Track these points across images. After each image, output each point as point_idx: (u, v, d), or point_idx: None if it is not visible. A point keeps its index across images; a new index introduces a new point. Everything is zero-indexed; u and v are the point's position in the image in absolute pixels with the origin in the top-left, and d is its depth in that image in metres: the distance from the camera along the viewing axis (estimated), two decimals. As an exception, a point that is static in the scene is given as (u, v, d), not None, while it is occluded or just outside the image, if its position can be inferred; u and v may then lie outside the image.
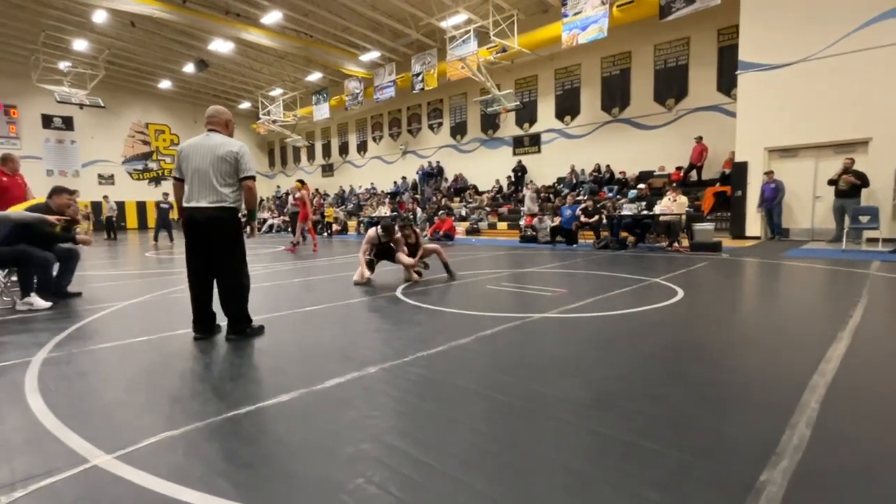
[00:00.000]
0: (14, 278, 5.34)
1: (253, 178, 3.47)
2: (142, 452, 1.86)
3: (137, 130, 27.09)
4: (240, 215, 3.55)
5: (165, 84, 25.09)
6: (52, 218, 4.84)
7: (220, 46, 18.75)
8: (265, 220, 22.47)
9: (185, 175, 3.42)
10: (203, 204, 3.34)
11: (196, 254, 3.46)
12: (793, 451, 1.76)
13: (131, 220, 26.66)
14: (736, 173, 11.87)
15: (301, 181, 12.30)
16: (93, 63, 20.68)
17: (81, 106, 20.97)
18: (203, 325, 3.56)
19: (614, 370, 2.71)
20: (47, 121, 23.84)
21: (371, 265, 6.28)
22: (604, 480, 1.61)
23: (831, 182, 9.95)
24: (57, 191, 5.24)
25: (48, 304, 4.83)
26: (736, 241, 11.19)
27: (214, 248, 3.41)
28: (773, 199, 11.03)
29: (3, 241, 4.68)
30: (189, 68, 21.26)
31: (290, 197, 13.79)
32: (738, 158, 11.82)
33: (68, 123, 24.34)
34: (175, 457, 1.84)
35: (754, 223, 11.64)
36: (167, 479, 1.67)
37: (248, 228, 3.85)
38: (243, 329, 3.56)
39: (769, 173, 11.09)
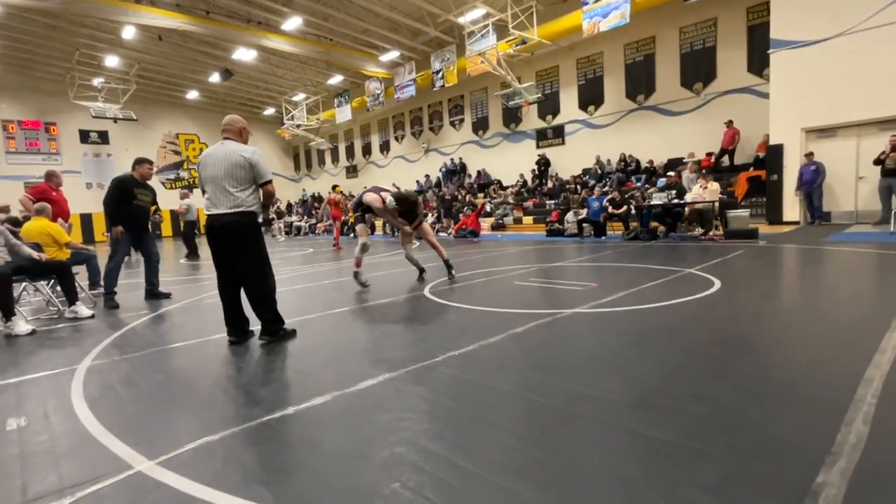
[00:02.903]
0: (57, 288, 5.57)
1: (271, 181, 3.52)
2: (182, 458, 1.89)
3: (168, 141, 27.92)
4: (259, 220, 3.58)
5: (193, 95, 25.75)
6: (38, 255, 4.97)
7: (244, 55, 19.10)
8: (291, 224, 22.86)
9: (203, 183, 3.49)
10: (221, 210, 3.39)
11: (220, 260, 3.53)
12: (850, 451, 1.65)
13: (166, 228, 27.49)
14: (771, 156, 11.39)
15: (334, 186, 14.04)
16: (124, 78, 21.41)
17: (115, 120, 21.75)
18: (236, 329, 3.62)
19: (654, 367, 2.61)
20: (84, 136, 24.79)
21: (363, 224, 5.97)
22: (651, 485, 1.54)
23: (877, 161, 9.45)
24: (139, 161, 5.72)
25: (91, 312, 5.01)
26: (773, 227, 10.75)
27: (236, 252, 3.46)
28: (812, 181, 10.54)
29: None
30: (215, 78, 21.75)
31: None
32: (772, 141, 11.34)
33: (104, 137, 25.25)
34: (214, 462, 1.86)
35: (792, 208, 11.16)
36: (207, 485, 1.69)
37: (265, 225, 3.90)
38: (276, 330, 3.58)
39: (809, 155, 10.61)
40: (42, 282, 5.32)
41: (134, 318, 4.81)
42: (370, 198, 5.53)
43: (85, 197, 23.88)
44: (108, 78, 21.42)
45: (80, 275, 5.90)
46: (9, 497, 1.70)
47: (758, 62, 12.82)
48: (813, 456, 1.64)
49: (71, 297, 4.96)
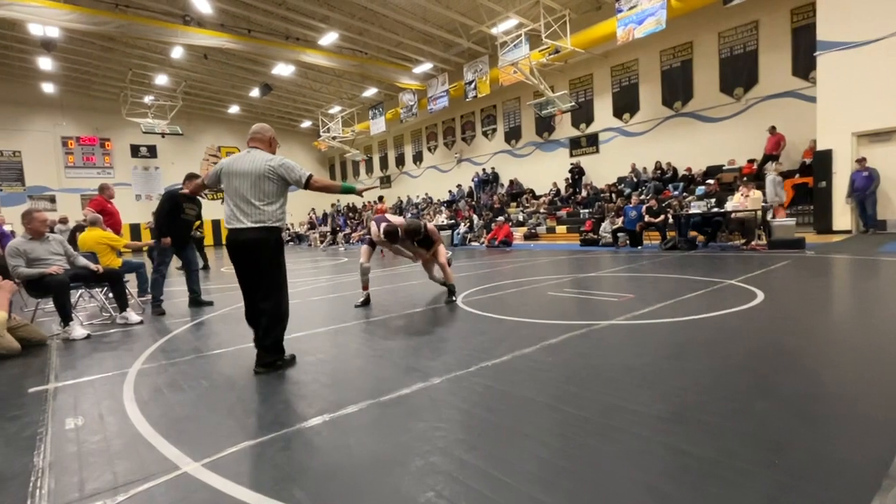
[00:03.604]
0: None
1: (311, 176, 3.25)
2: (225, 461, 1.97)
3: (211, 154, 29.15)
4: (283, 236, 3.35)
5: (234, 109, 26.85)
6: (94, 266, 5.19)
7: (283, 70, 19.85)
8: (326, 234, 23.34)
9: (226, 193, 3.27)
10: (245, 224, 3.14)
11: (243, 276, 3.30)
12: (909, 475, 1.56)
13: (207, 237, 28.57)
14: (819, 162, 10.90)
15: (380, 197, 14.20)
16: (171, 95, 22.59)
17: (163, 135, 22.96)
18: None
19: (693, 381, 2.54)
20: (135, 150, 26.28)
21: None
22: (689, 503, 1.50)
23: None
24: (189, 177, 5.73)
25: (140, 318, 5.27)
26: (822, 237, 10.26)
27: (257, 270, 3.23)
28: (865, 188, 10.02)
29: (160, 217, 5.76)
30: (255, 93, 22.67)
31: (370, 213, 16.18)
32: (820, 146, 10.86)
33: (152, 151, 26.67)
34: (254, 466, 1.93)
35: (843, 216, 10.62)
36: (248, 488, 1.75)
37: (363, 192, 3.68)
38: (272, 362, 3.24)
39: (861, 160, 10.10)
40: (96, 289, 5.64)
41: (179, 325, 5.02)
42: (370, 226, 5.58)
43: (135, 208, 25.16)
44: (157, 95, 22.68)
45: (130, 282, 6.21)
46: (68, 492, 1.81)
47: (803, 65, 12.35)
48: (866, 478, 1.56)
49: (122, 303, 5.24)
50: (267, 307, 3.24)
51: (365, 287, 5.66)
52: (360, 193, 3.70)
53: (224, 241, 3.38)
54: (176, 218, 5.81)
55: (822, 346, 3.16)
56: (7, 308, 3.75)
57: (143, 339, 4.43)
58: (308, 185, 3.25)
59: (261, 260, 3.20)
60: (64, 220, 13.23)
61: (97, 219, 6.20)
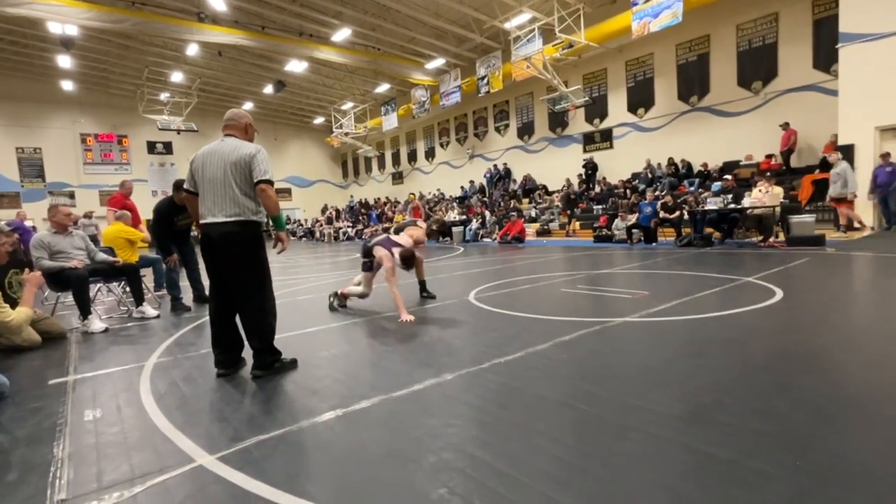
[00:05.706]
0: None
1: (269, 182, 2.95)
2: (239, 454, 1.98)
3: (226, 150, 29.45)
4: (263, 230, 3.10)
5: (248, 105, 27.03)
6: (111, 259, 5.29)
7: (296, 66, 19.94)
8: (339, 229, 23.45)
9: (198, 188, 3.03)
10: (220, 219, 2.93)
11: (216, 276, 3.07)
12: (938, 479, 1.52)
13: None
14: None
15: (413, 194, 14.52)
16: (187, 92, 22.85)
17: (179, 131, 23.24)
18: (229, 356, 3.13)
19: (711, 380, 2.50)
20: (151, 147, 26.69)
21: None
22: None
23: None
24: (177, 185, 5.37)
25: (156, 312, 5.34)
26: (843, 234, 10.02)
27: (233, 268, 2.98)
28: (888, 184, 9.73)
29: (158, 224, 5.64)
30: (268, 90, 22.83)
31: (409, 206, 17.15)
32: (842, 141, 10.60)
33: (168, 148, 27.06)
34: (267, 460, 1.93)
35: (865, 212, 10.36)
36: (262, 481, 1.76)
37: (277, 243, 3.19)
38: (269, 363, 3.06)
39: (885, 155, 9.83)
40: (114, 283, 5.73)
41: (193, 320, 5.08)
42: (381, 253, 4.78)
43: (151, 203, 25.49)
44: (172, 92, 22.96)
45: (146, 277, 6.29)
46: (87, 483, 1.84)
47: (825, 58, 12.06)
48: (892, 484, 1.52)
49: (138, 297, 5.32)
50: (249, 308, 3.03)
51: (345, 296, 5.24)
52: (279, 234, 3.15)
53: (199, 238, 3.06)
54: (170, 229, 5.75)
55: (845, 345, 3.08)
56: (32, 303, 3.82)
57: (159, 333, 4.49)
58: (258, 184, 2.92)
59: (237, 256, 2.97)
60: (88, 215, 13.46)
61: (123, 214, 6.31)
